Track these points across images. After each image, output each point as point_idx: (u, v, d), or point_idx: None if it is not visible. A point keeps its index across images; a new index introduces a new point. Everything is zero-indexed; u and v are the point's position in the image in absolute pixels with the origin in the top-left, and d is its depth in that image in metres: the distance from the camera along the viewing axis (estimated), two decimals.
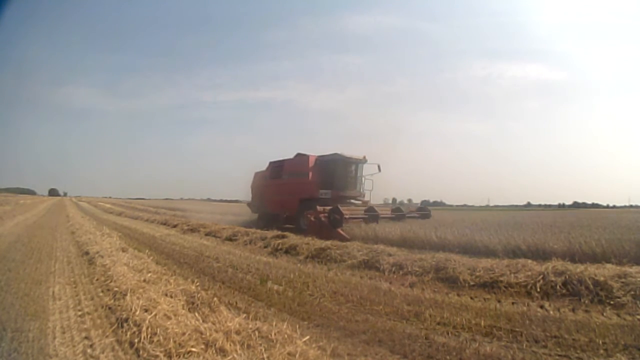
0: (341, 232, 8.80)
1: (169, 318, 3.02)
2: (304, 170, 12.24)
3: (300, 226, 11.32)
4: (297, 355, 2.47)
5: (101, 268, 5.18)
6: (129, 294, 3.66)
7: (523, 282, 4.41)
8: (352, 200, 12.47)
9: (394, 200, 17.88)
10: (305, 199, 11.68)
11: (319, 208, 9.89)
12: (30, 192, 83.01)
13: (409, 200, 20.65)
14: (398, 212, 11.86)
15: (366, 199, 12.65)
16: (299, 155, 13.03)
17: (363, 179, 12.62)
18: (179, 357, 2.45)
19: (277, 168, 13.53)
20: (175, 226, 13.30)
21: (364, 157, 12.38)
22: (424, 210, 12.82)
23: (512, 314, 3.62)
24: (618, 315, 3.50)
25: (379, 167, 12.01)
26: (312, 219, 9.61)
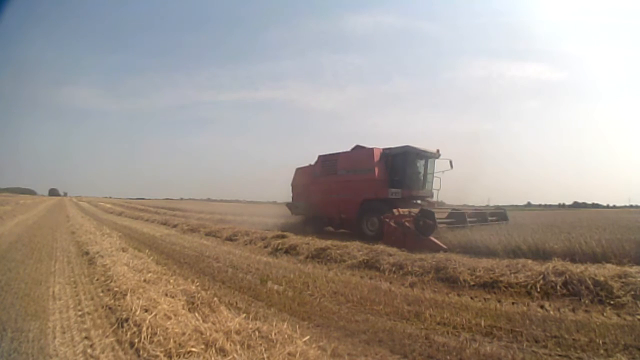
0: (436, 240, 7.33)
1: (169, 318, 3.03)
2: (368, 165, 10.43)
3: (363, 231, 9.83)
4: (297, 355, 2.47)
5: (101, 268, 5.19)
6: (129, 294, 3.67)
7: (523, 282, 4.41)
8: (420, 201, 10.85)
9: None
10: (369, 199, 10.13)
11: (401, 211, 8.68)
12: (31, 192, 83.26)
13: None
14: (479, 215, 10.05)
15: (434, 199, 11.01)
16: (358, 147, 11.19)
17: (432, 176, 10.90)
18: (179, 357, 2.46)
19: (330, 163, 11.57)
20: (175, 226, 13.34)
21: (437, 151, 10.64)
22: (501, 212, 10.88)
23: (513, 314, 3.62)
24: (618, 315, 3.50)
25: (450, 163, 10.15)
26: (392, 224, 8.13)
